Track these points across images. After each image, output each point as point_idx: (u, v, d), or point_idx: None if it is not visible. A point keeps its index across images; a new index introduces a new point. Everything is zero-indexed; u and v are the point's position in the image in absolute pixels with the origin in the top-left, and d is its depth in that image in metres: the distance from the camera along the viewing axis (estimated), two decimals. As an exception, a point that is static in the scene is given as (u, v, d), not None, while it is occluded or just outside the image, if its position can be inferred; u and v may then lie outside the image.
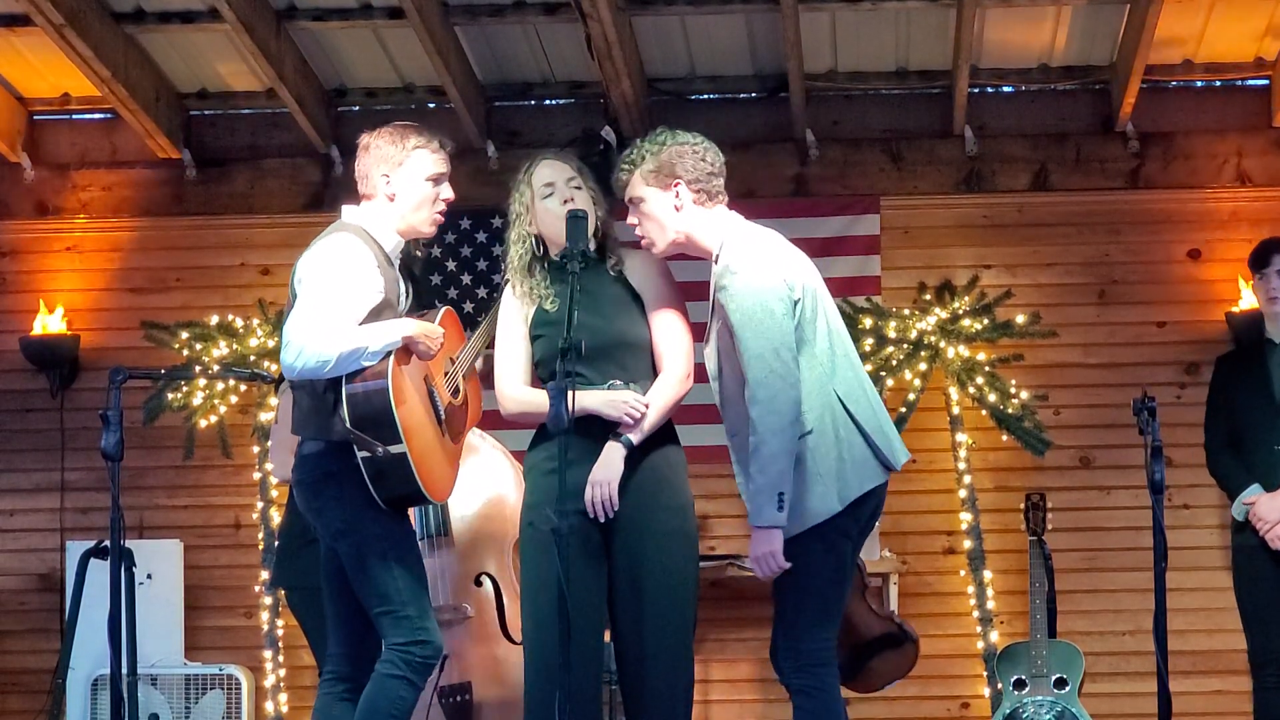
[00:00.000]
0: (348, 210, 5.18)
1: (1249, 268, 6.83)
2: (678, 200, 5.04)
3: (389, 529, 4.99)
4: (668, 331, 5.20)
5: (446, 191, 5.17)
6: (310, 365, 4.88)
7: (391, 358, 4.91)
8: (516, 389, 5.25)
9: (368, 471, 4.90)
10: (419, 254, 5.46)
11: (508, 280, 5.33)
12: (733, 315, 4.86)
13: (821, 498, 4.85)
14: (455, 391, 5.26)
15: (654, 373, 5.19)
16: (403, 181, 5.11)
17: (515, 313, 5.29)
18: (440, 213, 5.18)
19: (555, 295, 5.21)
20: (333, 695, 5.13)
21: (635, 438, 5.07)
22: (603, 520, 5.02)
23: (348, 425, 4.88)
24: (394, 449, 4.87)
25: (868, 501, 4.97)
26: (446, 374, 5.23)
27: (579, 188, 5.23)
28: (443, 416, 5.13)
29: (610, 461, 5.03)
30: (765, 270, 4.91)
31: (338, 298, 4.92)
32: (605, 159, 7.43)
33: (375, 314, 4.98)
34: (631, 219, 5.14)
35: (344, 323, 4.90)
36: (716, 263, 5.01)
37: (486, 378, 5.44)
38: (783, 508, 4.78)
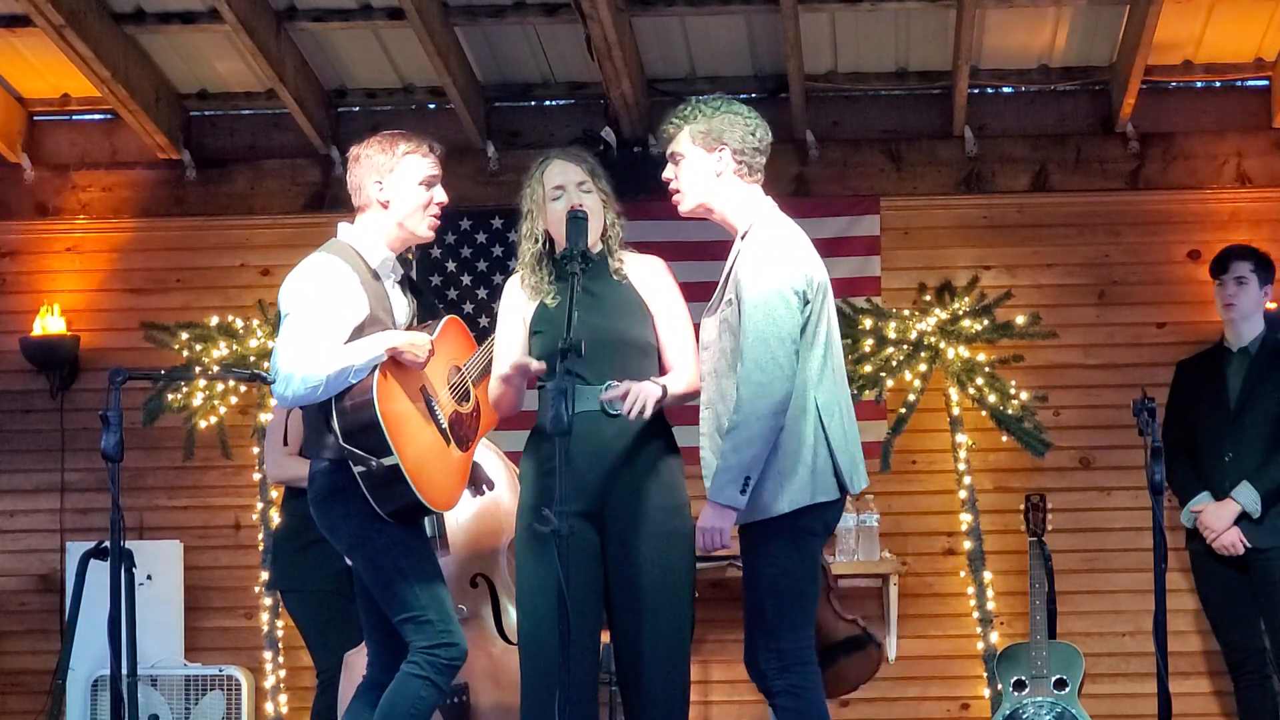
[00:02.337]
0: (342, 228, 5.17)
1: (1209, 274, 6.82)
2: (719, 165, 5.03)
3: (399, 537, 4.97)
4: (676, 337, 5.19)
5: (440, 194, 5.15)
6: (301, 392, 4.88)
7: (377, 370, 4.89)
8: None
9: (366, 485, 4.89)
10: (410, 258, 5.42)
11: (514, 274, 5.31)
12: (749, 294, 4.85)
13: (771, 494, 4.86)
14: (465, 397, 5.23)
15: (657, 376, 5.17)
16: (396, 188, 5.09)
17: (516, 308, 5.26)
18: (436, 216, 5.16)
19: (558, 292, 5.18)
20: (365, 701, 5.10)
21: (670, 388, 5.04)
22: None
23: (340, 441, 4.88)
24: (386, 461, 4.85)
25: (828, 509, 4.96)
26: (452, 383, 5.21)
27: (589, 191, 5.19)
28: (444, 425, 5.10)
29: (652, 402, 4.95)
30: (792, 260, 4.91)
31: (319, 321, 4.91)
32: (605, 159, 7.43)
33: (359, 331, 4.96)
34: (668, 173, 5.12)
35: (327, 345, 4.89)
36: (743, 239, 4.99)
37: None
38: (744, 492, 4.79)
